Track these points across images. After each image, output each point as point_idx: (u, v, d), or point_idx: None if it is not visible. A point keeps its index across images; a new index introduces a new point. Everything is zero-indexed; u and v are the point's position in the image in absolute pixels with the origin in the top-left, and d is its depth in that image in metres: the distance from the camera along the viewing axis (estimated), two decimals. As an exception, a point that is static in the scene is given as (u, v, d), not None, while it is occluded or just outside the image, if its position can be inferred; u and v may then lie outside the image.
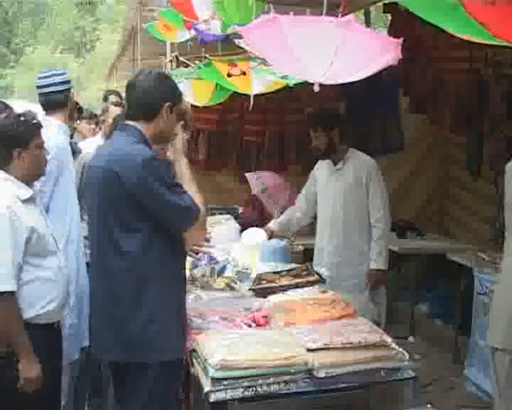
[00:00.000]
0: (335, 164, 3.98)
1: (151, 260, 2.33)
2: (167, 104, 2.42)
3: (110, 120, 4.26)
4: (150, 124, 2.42)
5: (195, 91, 4.78)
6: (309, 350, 2.33)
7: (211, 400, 2.18)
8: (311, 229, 4.53)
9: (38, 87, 3.32)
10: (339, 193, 3.94)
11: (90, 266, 2.63)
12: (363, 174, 3.88)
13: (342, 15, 1.99)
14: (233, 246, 3.89)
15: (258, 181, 5.33)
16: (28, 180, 2.65)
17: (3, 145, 2.59)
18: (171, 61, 5.85)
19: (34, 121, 2.67)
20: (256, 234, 4.09)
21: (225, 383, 2.19)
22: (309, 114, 4.38)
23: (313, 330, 2.51)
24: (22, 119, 2.62)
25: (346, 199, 3.90)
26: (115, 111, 4.23)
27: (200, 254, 3.28)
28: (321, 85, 2.00)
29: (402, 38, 2.00)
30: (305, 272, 3.34)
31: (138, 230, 2.32)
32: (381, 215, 3.85)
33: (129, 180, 2.28)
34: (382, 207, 3.86)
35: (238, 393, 2.20)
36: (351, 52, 1.94)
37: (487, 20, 1.69)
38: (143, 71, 2.51)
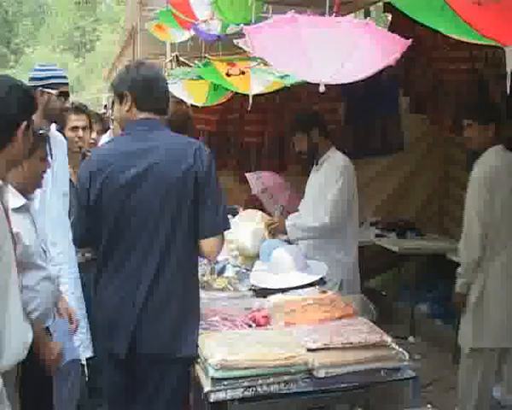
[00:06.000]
0: (316, 164, 3.93)
1: (192, 251, 2.42)
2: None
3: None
4: (162, 118, 2.50)
5: (190, 92, 4.78)
6: (309, 350, 2.33)
7: (211, 400, 2.18)
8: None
9: None
10: (312, 194, 3.91)
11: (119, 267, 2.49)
12: (332, 176, 3.75)
13: (336, 15, 2.02)
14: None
15: (258, 181, 5.33)
16: (24, 189, 2.61)
17: None
18: (171, 61, 5.85)
19: (40, 132, 2.66)
20: (252, 214, 4.04)
21: (225, 383, 2.19)
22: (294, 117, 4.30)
23: (313, 330, 2.51)
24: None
25: (316, 200, 3.82)
26: None
27: None
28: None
29: (405, 38, 2.02)
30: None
31: (189, 218, 2.37)
32: (319, 212, 3.70)
33: (202, 170, 2.34)
34: (329, 209, 3.68)
35: (238, 393, 2.20)
36: (363, 52, 1.97)
37: (474, 20, 1.69)
38: (149, 64, 2.55)
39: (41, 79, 3.26)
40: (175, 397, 2.43)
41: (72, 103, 3.75)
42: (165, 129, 2.50)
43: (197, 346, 2.42)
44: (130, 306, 2.37)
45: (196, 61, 4.63)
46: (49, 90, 3.23)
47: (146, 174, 2.35)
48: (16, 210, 2.51)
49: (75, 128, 3.70)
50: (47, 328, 2.70)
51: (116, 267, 2.43)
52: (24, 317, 2.20)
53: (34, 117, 3.20)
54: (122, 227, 2.39)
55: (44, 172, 2.71)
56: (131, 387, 2.45)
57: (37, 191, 2.84)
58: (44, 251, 2.70)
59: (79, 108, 3.79)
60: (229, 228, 2.46)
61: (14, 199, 2.54)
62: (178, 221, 2.35)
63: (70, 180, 3.55)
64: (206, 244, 2.39)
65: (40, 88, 3.22)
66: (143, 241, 2.37)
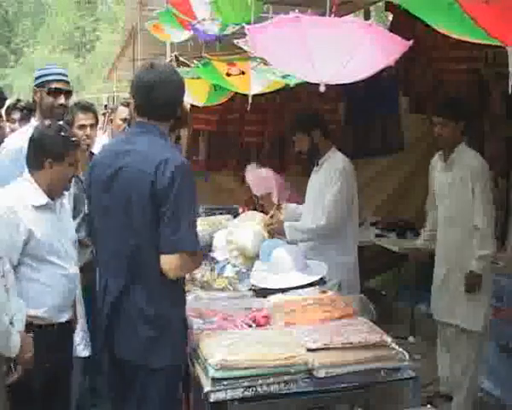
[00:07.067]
0: (317, 164, 3.91)
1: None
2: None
3: (118, 121, 4.28)
4: (165, 124, 2.45)
5: (190, 91, 4.78)
6: (309, 350, 2.32)
7: (211, 400, 2.18)
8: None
9: None
10: (312, 195, 3.90)
11: (99, 263, 2.57)
12: (331, 178, 3.74)
13: (336, 16, 2.03)
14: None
15: (259, 181, 5.32)
16: (51, 192, 2.70)
17: (38, 152, 2.68)
18: (171, 60, 5.85)
19: (73, 138, 2.76)
20: (252, 215, 4.04)
21: (225, 383, 2.19)
22: (294, 117, 4.31)
23: (313, 330, 2.51)
24: (63, 133, 2.70)
25: (316, 201, 3.82)
26: (124, 111, 4.23)
27: None
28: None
29: (405, 38, 2.03)
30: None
31: (154, 230, 2.30)
32: (319, 217, 3.71)
33: (161, 182, 2.25)
34: (327, 210, 3.69)
35: (238, 393, 2.19)
36: (364, 53, 1.98)
37: (482, 19, 1.69)
38: (158, 68, 2.41)
39: (36, 78, 3.34)
40: (163, 402, 2.39)
41: (78, 102, 3.80)
42: (157, 136, 2.40)
43: (181, 355, 2.42)
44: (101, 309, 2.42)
45: (195, 61, 4.62)
46: (42, 89, 3.29)
47: (117, 176, 2.36)
48: (37, 208, 2.64)
49: (82, 126, 3.73)
50: (64, 323, 2.76)
51: (99, 267, 2.52)
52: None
53: (37, 115, 3.28)
54: (99, 226, 2.46)
55: (73, 175, 2.80)
56: (123, 386, 2.46)
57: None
58: (66, 250, 2.76)
59: (86, 107, 3.83)
60: (195, 249, 2.31)
61: (37, 197, 2.65)
62: (144, 229, 2.30)
63: (77, 177, 3.58)
64: (164, 260, 2.28)
65: (34, 87, 3.32)
66: (112, 243, 2.38)
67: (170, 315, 2.37)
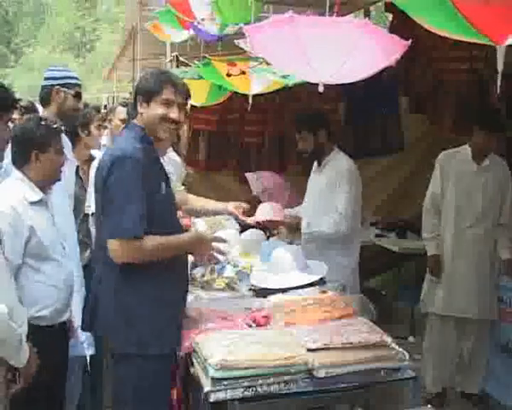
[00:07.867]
0: (319, 164, 3.90)
1: None
2: (140, 97, 2.51)
3: (117, 121, 4.31)
4: (136, 120, 2.54)
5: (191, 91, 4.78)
6: (309, 350, 2.32)
7: (211, 400, 2.18)
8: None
9: None
10: (313, 195, 3.90)
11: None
12: (336, 179, 3.72)
13: (337, 15, 2.03)
14: (233, 247, 3.88)
15: (259, 181, 5.33)
16: (43, 183, 2.70)
17: (22, 146, 2.67)
18: (171, 61, 5.86)
19: (55, 126, 2.74)
20: (256, 234, 4.07)
21: (225, 383, 2.19)
22: (296, 115, 4.31)
23: (313, 330, 2.51)
24: (43, 123, 2.69)
25: (318, 202, 3.81)
26: (122, 111, 4.26)
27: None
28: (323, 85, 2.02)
29: (405, 38, 2.03)
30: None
31: None
32: (335, 218, 3.68)
33: (104, 174, 2.39)
34: (346, 216, 3.66)
35: (238, 393, 2.19)
36: (363, 53, 1.98)
37: (475, 19, 1.69)
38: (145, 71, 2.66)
39: (57, 78, 3.32)
40: (136, 395, 2.42)
41: (88, 104, 3.86)
42: (131, 132, 2.51)
43: (151, 345, 2.42)
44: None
45: (196, 61, 4.63)
46: (66, 90, 3.28)
47: (97, 172, 2.53)
48: (33, 204, 2.63)
49: (100, 126, 3.83)
50: (64, 323, 2.78)
51: None
52: None
53: (48, 114, 3.28)
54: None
55: (62, 164, 2.77)
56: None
57: (57, 186, 2.88)
58: (64, 247, 2.76)
59: (97, 108, 3.92)
60: (130, 235, 2.32)
61: (32, 193, 2.63)
62: (102, 220, 2.46)
63: (78, 177, 3.59)
64: (108, 246, 2.37)
65: (57, 87, 3.26)
66: (96, 233, 2.60)
67: (134, 305, 2.40)
